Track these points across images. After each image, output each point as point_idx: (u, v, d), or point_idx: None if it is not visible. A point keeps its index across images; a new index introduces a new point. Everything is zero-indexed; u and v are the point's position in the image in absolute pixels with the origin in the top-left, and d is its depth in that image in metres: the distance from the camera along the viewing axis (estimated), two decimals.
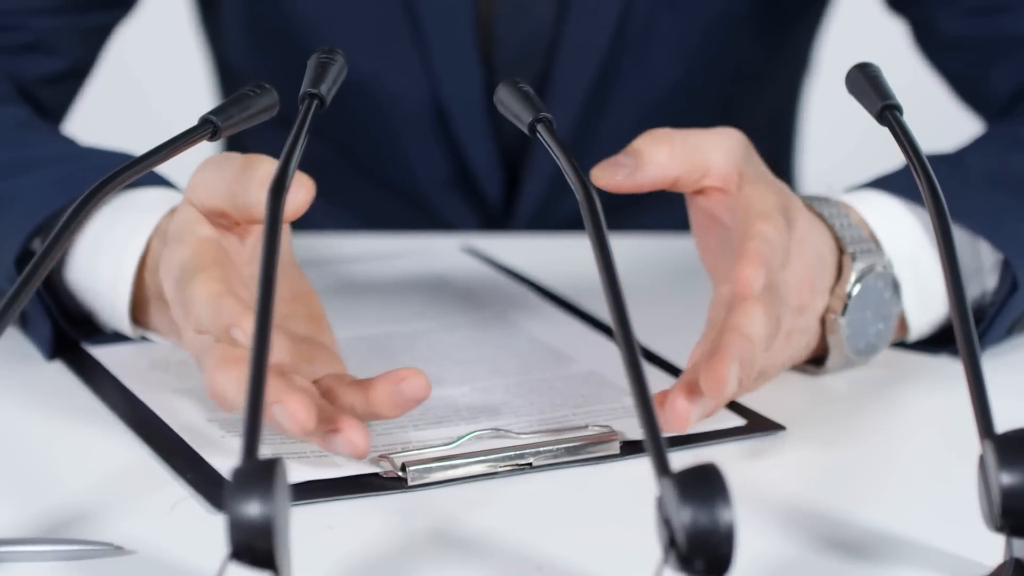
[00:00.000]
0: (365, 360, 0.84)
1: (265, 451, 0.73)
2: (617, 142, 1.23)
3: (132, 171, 0.75)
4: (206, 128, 0.78)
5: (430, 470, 0.74)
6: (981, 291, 0.92)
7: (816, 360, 0.88)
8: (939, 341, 0.92)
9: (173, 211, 0.86)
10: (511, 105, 0.79)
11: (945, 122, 1.36)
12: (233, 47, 1.30)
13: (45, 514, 0.70)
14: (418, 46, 1.20)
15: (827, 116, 1.68)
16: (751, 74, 1.29)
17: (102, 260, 0.88)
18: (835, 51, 1.44)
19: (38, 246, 0.89)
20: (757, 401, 0.83)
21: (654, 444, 0.58)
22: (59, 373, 0.88)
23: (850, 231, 0.88)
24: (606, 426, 0.78)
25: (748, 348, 0.75)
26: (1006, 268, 0.90)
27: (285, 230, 0.78)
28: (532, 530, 0.70)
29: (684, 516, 0.54)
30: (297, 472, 0.72)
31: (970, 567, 0.65)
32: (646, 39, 1.21)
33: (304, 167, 0.75)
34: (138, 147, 0.95)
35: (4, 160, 0.96)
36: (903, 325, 0.90)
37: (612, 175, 0.82)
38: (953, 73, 1.16)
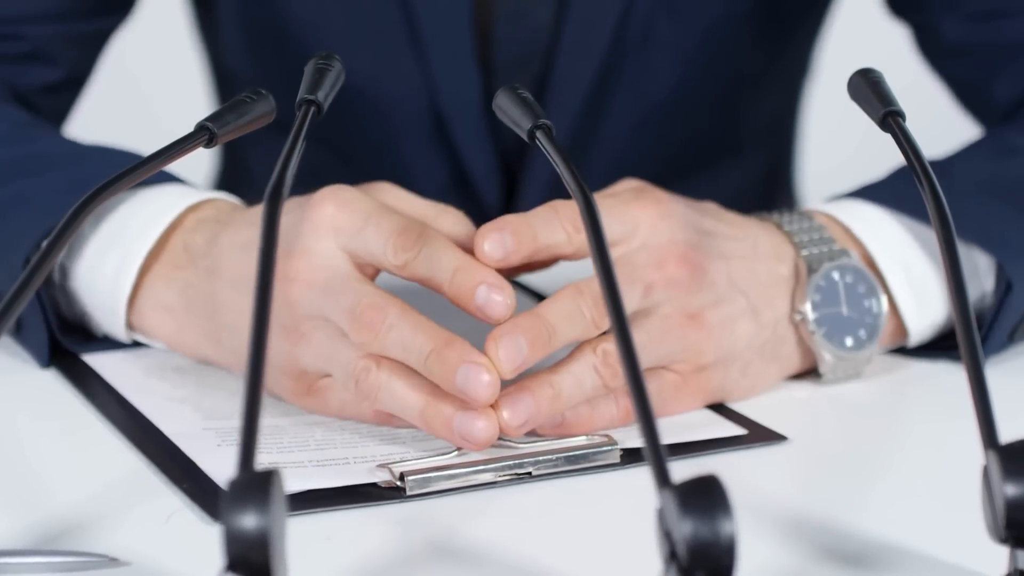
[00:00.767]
0: None
1: (263, 459, 0.73)
2: (616, 146, 1.23)
3: (128, 178, 0.75)
4: (202, 135, 0.77)
5: (429, 480, 0.73)
6: (980, 294, 0.91)
7: (810, 369, 0.88)
8: (940, 345, 0.92)
9: (193, 207, 0.87)
10: (510, 112, 0.79)
11: (947, 127, 1.35)
12: (230, 51, 1.30)
13: (39, 525, 0.69)
14: (416, 50, 1.20)
15: (828, 120, 1.68)
16: (751, 78, 1.28)
17: (110, 254, 0.88)
18: (836, 55, 1.44)
19: None
20: (758, 411, 0.83)
21: (654, 455, 0.58)
22: (53, 381, 0.88)
23: (797, 223, 0.88)
24: (606, 435, 0.78)
25: (536, 323, 0.75)
26: (1000, 272, 0.90)
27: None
28: (532, 540, 0.70)
29: (685, 528, 0.54)
30: (294, 482, 0.72)
31: None
32: (645, 43, 1.20)
33: (301, 173, 0.75)
34: (135, 148, 0.95)
35: (16, 155, 0.96)
36: (901, 329, 0.90)
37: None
38: (955, 79, 1.16)
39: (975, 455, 0.62)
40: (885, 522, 0.71)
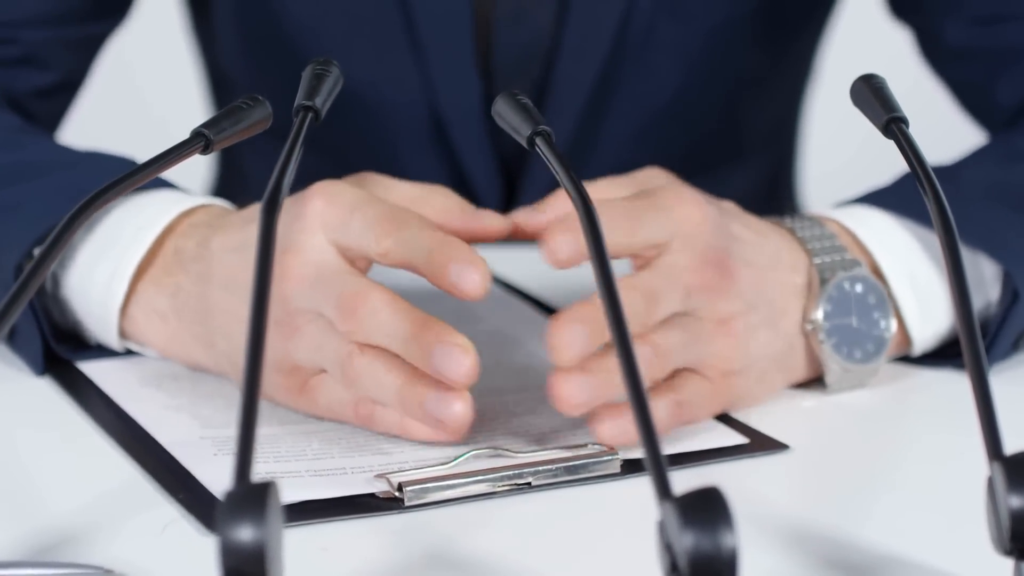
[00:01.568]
0: None
1: (259, 469, 0.72)
2: (617, 151, 1.22)
3: (122, 186, 0.74)
4: (198, 142, 0.77)
5: (427, 490, 0.72)
6: (985, 303, 0.91)
7: (817, 378, 0.87)
8: (944, 354, 0.91)
9: (185, 213, 0.87)
10: (509, 118, 0.78)
11: (949, 132, 1.35)
12: (226, 56, 1.29)
13: (33, 535, 0.69)
14: (415, 54, 1.19)
15: (830, 124, 1.67)
16: (753, 82, 1.28)
17: (102, 262, 0.87)
18: (838, 59, 1.43)
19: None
20: (760, 420, 0.82)
21: (655, 466, 0.57)
22: (48, 390, 0.87)
23: (810, 230, 0.87)
24: (606, 444, 0.77)
25: (589, 310, 0.75)
26: (1007, 280, 0.89)
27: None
28: (531, 551, 0.69)
29: (686, 541, 0.53)
30: (291, 492, 0.71)
31: None
32: (647, 46, 1.20)
33: (299, 179, 0.74)
34: (130, 153, 0.94)
35: (7, 162, 0.95)
36: (905, 338, 0.89)
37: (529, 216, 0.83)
38: (958, 83, 1.15)
39: (979, 466, 0.61)
40: (888, 533, 0.70)
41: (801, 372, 0.86)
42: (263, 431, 0.77)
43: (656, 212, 0.80)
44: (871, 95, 0.78)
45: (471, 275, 0.75)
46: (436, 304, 0.95)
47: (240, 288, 0.81)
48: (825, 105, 1.48)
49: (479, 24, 1.19)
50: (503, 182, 1.25)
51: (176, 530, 0.70)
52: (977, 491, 0.61)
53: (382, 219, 0.78)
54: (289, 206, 0.79)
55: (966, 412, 0.64)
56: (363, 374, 0.76)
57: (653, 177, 0.89)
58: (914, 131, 0.76)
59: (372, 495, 0.73)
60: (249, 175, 1.33)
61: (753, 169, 1.33)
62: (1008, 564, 0.60)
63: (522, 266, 1.08)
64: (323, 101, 0.78)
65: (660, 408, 0.78)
